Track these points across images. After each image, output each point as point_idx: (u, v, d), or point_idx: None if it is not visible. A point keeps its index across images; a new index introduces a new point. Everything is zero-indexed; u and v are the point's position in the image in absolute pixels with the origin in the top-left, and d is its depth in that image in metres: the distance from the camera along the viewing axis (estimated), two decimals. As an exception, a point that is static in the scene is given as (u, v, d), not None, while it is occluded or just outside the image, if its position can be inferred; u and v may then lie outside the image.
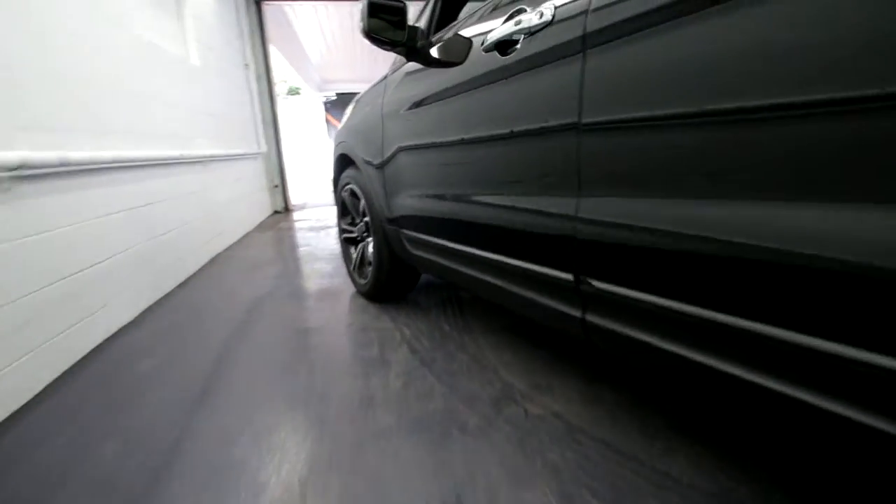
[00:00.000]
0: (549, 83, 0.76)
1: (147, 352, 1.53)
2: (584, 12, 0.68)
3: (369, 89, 1.75)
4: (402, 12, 1.20)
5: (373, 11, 1.16)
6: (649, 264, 0.65)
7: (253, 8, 4.52)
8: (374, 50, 7.36)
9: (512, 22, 0.82)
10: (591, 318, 0.79)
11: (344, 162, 1.93)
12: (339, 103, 14.18)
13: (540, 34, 0.77)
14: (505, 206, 0.94)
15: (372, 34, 1.18)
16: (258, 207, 4.28)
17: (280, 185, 4.88)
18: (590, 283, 0.76)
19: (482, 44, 0.94)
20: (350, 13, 6.21)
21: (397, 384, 1.23)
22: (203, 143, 2.85)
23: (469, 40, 1.08)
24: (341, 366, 1.36)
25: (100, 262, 1.64)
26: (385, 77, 1.58)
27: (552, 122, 0.77)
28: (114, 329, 1.70)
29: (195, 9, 3.04)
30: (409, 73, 1.38)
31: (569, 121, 0.73)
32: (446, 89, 1.10)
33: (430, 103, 1.21)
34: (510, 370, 1.28)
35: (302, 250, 3.05)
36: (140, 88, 2.11)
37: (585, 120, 0.70)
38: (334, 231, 3.64)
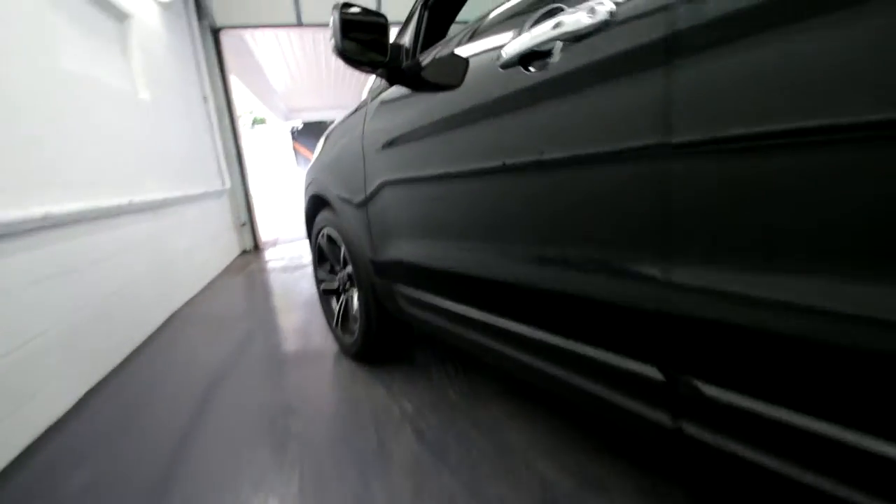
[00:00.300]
0: (616, 97, 0.54)
1: (80, 459, 1.21)
2: (669, 6, 0.47)
3: (344, 119, 1.51)
4: (383, 29, 0.99)
5: (347, 29, 0.94)
6: (804, 364, 0.43)
7: (210, 38, 4.27)
8: (339, 77, 7.21)
9: (545, 27, 0.61)
10: (693, 431, 0.56)
11: (318, 203, 1.67)
12: (306, 132, 13.93)
13: (592, 39, 0.55)
14: (547, 264, 0.71)
15: (347, 55, 0.95)
16: (224, 250, 3.94)
17: (248, 222, 4.55)
18: (692, 386, 0.53)
19: (497, 59, 0.72)
20: (314, 40, 6.04)
21: (406, 492, 0.96)
22: (155, 186, 2.55)
23: (465, 60, 0.87)
24: (331, 466, 1.08)
25: (17, 350, 1.32)
26: (363, 104, 1.36)
27: (619, 146, 0.54)
28: (42, 428, 1.37)
29: (144, 40, 2.76)
30: (393, 99, 1.16)
31: (650, 142, 0.51)
32: (450, 116, 0.88)
33: (426, 135, 0.98)
34: (544, 456, 1.03)
35: (274, 298, 2.75)
36: (74, 130, 1.81)
37: (679, 139, 0.48)
38: (310, 271, 3.35)
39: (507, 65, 0.69)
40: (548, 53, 0.62)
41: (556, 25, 0.58)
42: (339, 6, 0.93)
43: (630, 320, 0.59)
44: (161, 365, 1.83)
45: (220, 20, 4.28)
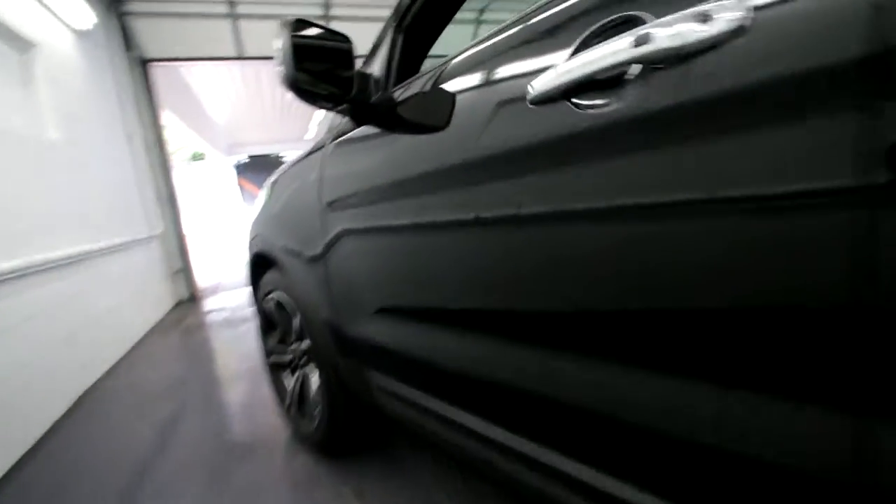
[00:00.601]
0: (770, 135, 0.33)
1: None
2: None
3: (293, 164, 1.27)
4: (347, 56, 0.78)
5: (300, 56, 0.72)
6: None
7: (138, 70, 3.90)
8: (286, 109, 6.96)
9: (615, 46, 0.41)
10: None
11: (263, 263, 1.39)
12: (252, 166, 13.35)
13: (709, 57, 0.35)
14: (617, 383, 0.48)
15: (300, 88, 0.73)
16: (154, 303, 3.46)
17: (183, 268, 4.08)
18: None
19: (523, 92, 0.52)
20: (256, 73, 5.78)
21: None
22: (67, 241, 2.14)
23: (451, 95, 0.68)
24: None
25: None
26: (318, 146, 1.12)
27: (776, 190, 0.34)
28: None
29: (53, 72, 2.40)
30: (359, 140, 0.93)
31: (840, 185, 0.30)
32: (449, 165, 0.66)
33: (408, 186, 0.76)
34: None
35: (213, 362, 2.37)
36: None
37: None
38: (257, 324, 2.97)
39: (544, 99, 0.49)
40: (615, 82, 0.42)
41: (641, 41, 0.39)
42: (290, 25, 0.71)
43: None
44: (66, 465, 1.43)
45: (150, 52, 3.93)
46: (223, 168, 10.72)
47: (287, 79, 0.71)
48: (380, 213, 0.85)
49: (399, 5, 0.85)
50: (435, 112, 0.72)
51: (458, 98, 0.67)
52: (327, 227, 1.02)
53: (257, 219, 1.41)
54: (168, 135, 4.38)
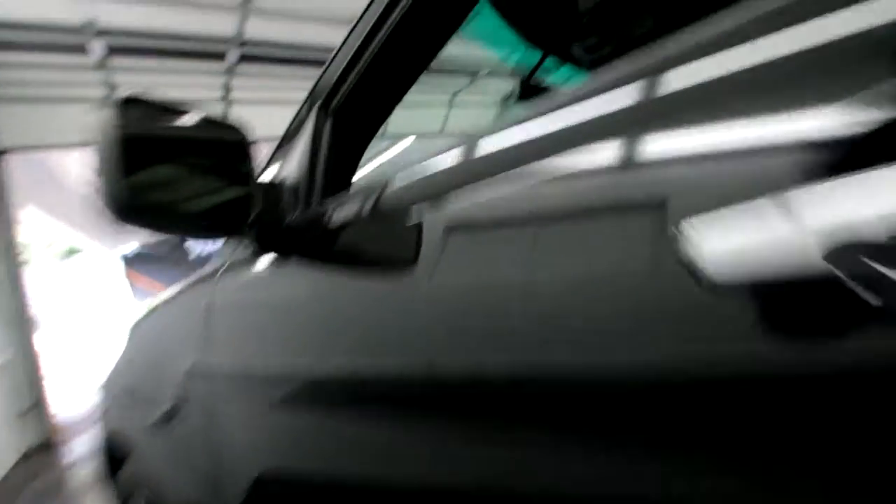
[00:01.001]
0: None
1: None
2: None
3: (169, 300, 0.87)
4: (241, 152, 0.47)
5: (140, 157, 0.39)
6: None
7: (-19, 164, 3.21)
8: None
9: None
10: None
11: (121, 452, 0.92)
12: (145, 256, 11.89)
13: None
14: None
15: (139, 210, 0.40)
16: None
17: (36, 405, 3.16)
18: None
19: (670, 239, 0.21)
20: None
21: None
22: None
23: (418, 224, 0.38)
24: None
25: None
26: (205, 277, 0.75)
27: None
28: None
29: None
30: (267, 270, 0.58)
31: None
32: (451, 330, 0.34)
33: (362, 346, 0.43)
34: None
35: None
36: None
37: None
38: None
39: (703, 267, 0.18)
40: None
41: None
42: (120, 109, 0.38)
43: None
44: None
45: (3, 141, 3.28)
46: (106, 262, 9.38)
47: (111, 201, 0.37)
48: (300, 373, 0.52)
49: (325, 77, 0.56)
50: (395, 240, 0.43)
51: (437, 229, 0.37)
52: (219, 388, 0.65)
53: (111, 380, 0.95)
54: (29, 234, 3.61)
